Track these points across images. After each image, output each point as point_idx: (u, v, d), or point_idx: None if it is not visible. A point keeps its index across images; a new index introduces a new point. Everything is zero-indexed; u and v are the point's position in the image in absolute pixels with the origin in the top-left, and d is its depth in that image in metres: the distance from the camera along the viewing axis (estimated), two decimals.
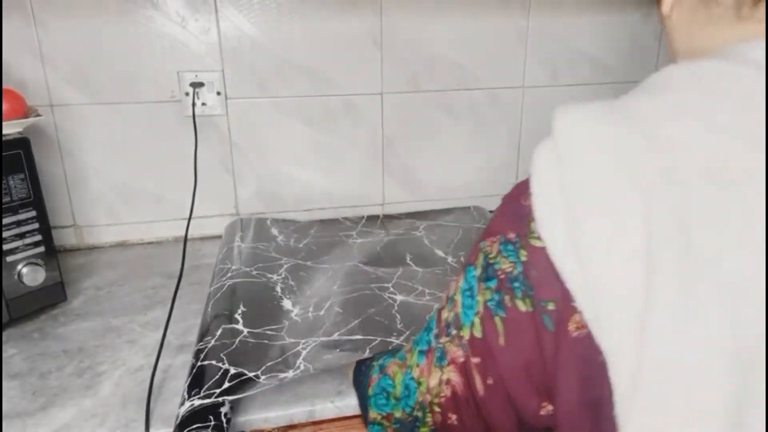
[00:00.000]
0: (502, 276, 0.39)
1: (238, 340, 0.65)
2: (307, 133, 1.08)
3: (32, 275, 0.78)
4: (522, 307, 0.38)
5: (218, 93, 1.01)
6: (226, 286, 0.79)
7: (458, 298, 0.43)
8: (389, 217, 1.07)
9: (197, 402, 0.56)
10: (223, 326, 0.68)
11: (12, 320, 0.78)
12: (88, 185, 1.02)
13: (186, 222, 0.91)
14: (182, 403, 0.57)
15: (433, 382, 0.44)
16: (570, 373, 0.36)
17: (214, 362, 0.62)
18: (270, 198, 1.11)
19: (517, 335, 0.38)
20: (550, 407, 0.39)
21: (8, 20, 0.91)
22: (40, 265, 0.79)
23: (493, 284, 0.40)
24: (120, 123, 1.00)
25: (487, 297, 0.40)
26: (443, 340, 0.44)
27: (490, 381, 0.40)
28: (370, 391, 0.52)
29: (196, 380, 0.59)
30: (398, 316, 0.66)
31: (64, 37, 0.94)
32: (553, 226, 0.36)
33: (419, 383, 0.46)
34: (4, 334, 0.77)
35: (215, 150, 1.05)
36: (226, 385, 0.58)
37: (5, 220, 0.75)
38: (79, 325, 0.79)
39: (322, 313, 0.69)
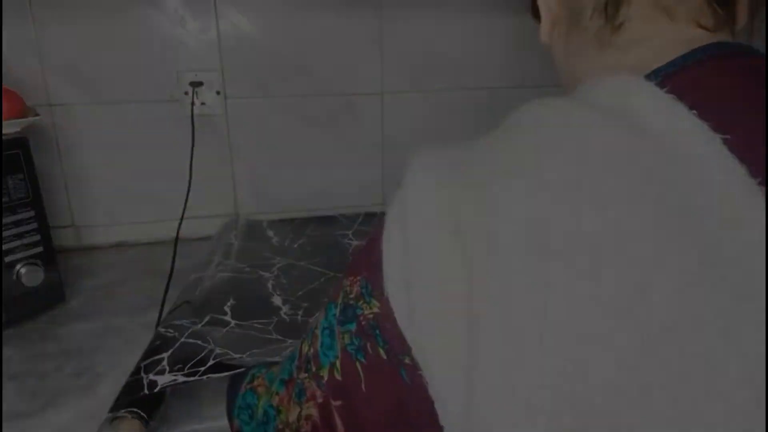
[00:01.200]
0: (363, 322, 0.36)
1: (225, 329, 0.65)
2: (307, 133, 1.08)
3: (31, 275, 0.77)
4: (384, 355, 0.35)
5: (217, 92, 1.01)
6: (217, 277, 0.79)
7: (318, 334, 0.40)
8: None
9: (179, 378, 0.56)
10: (211, 314, 0.68)
11: (10, 321, 0.78)
12: (87, 185, 1.01)
13: (179, 222, 0.91)
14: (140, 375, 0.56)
15: (292, 417, 0.41)
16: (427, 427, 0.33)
17: (199, 342, 0.61)
18: (270, 198, 1.10)
19: (379, 384, 0.36)
20: None
21: (7, 20, 0.90)
22: (39, 266, 0.79)
23: (353, 327, 0.37)
24: (119, 123, 0.99)
25: (346, 341, 0.37)
26: (302, 375, 0.41)
27: (351, 429, 0.38)
28: (238, 401, 0.50)
29: (176, 355, 0.59)
30: None
31: (63, 37, 0.93)
32: (396, 284, 0.34)
33: (278, 412, 0.43)
34: (3, 334, 0.76)
35: (214, 150, 1.05)
36: (211, 362, 0.57)
37: (4, 221, 0.74)
38: (78, 326, 0.79)
39: (311, 319, 0.70)
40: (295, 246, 0.95)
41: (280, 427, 0.43)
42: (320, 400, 0.39)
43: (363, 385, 0.36)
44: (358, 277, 0.38)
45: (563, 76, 0.47)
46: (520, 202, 0.30)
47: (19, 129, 0.78)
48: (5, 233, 0.75)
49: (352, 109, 1.08)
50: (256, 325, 0.67)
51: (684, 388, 0.26)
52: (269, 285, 0.78)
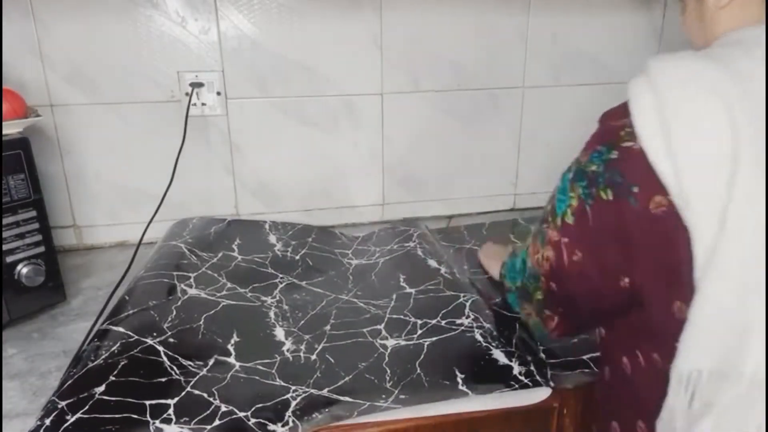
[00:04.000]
0: (592, 176, 0.52)
1: (230, 374, 0.65)
2: (307, 133, 1.08)
3: (32, 275, 0.78)
4: (604, 196, 0.50)
5: (218, 93, 1.01)
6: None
7: (554, 195, 0.57)
8: (383, 233, 1.06)
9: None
10: (216, 356, 0.68)
11: (12, 320, 0.78)
12: (87, 185, 1.02)
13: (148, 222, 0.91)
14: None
15: (538, 257, 0.59)
16: (648, 244, 0.49)
17: (205, 395, 0.61)
18: (270, 198, 1.11)
19: (601, 217, 0.51)
20: (627, 280, 0.51)
21: (8, 20, 0.91)
22: (40, 266, 0.79)
23: (584, 183, 0.53)
24: (120, 123, 1.00)
25: (580, 192, 0.53)
26: (543, 226, 0.58)
27: (575, 257, 0.54)
28: (504, 270, 0.73)
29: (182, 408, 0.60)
30: (388, 370, 0.67)
31: (64, 37, 0.94)
32: (650, 136, 0.47)
33: (527, 256, 0.62)
34: (4, 334, 0.77)
35: (215, 150, 1.05)
36: (216, 422, 0.58)
37: (5, 221, 0.75)
38: (79, 325, 0.79)
39: (313, 357, 0.70)
40: (297, 258, 0.95)
41: (531, 270, 0.61)
42: (555, 239, 0.56)
43: (590, 221, 0.52)
44: (590, 150, 0.53)
45: (698, 41, 0.60)
46: (760, 72, 0.46)
47: (20, 129, 0.78)
48: (6, 233, 0.75)
49: (352, 109, 1.08)
50: (259, 367, 0.67)
51: None
52: (271, 314, 0.79)
